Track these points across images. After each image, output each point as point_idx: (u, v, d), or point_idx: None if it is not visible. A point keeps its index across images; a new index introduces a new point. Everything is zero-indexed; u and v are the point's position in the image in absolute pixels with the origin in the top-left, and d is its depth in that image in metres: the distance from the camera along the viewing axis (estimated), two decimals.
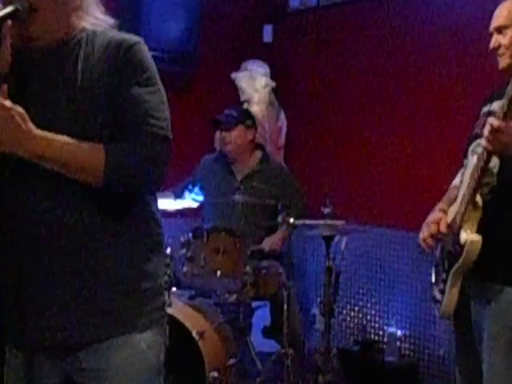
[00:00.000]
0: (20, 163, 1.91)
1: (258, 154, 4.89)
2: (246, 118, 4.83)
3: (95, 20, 2.08)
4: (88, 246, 1.98)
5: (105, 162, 1.92)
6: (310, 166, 5.69)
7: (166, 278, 3.96)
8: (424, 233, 2.88)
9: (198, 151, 5.18)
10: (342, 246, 4.61)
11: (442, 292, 2.82)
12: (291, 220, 4.16)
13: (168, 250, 4.10)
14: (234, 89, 5.75)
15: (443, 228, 2.81)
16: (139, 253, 2.05)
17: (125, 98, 1.97)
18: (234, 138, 4.73)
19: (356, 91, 5.41)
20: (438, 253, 2.92)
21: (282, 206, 4.41)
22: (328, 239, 4.26)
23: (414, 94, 5.01)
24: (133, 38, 2.04)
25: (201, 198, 4.77)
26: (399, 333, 5.04)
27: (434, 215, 2.89)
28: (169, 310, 3.73)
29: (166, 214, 4.77)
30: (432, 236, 2.84)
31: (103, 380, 1.99)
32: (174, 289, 4.20)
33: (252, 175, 4.77)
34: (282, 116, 5.81)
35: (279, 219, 4.27)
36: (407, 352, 5.01)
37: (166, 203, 4.70)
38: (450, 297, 2.76)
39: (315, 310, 5.42)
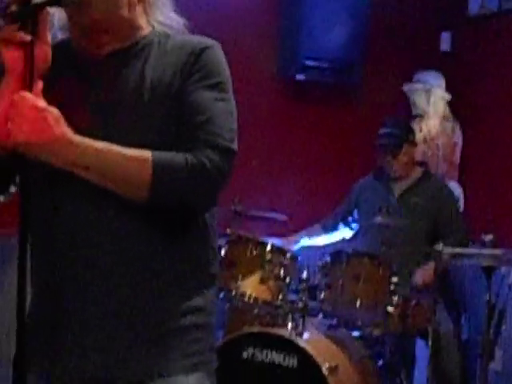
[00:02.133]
0: (61, 178, 1.76)
1: (419, 170, 4.63)
2: (408, 132, 4.60)
3: (167, 20, 1.95)
4: (133, 271, 1.81)
5: (152, 173, 1.73)
6: (486, 186, 5.29)
7: (288, 306, 3.77)
8: None
9: (360, 170, 4.91)
10: (510, 279, 4.20)
11: None
12: (444, 248, 3.74)
13: (304, 274, 3.90)
14: (404, 102, 5.50)
15: None
16: (192, 284, 1.88)
17: (189, 102, 1.82)
18: (400, 161, 4.49)
19: None
20: None
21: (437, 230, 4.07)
22: (488, 270, 3.81)
23: None
24: (207, 40, 1.91)
25: (356, 226, 4.55)
26: None
27: None
28: (299, 341, 3.61)
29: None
30: None
31: None
32: (319, 317, 3.98)
33: (411, 190, 4.52)
34: (458, 131, 5.50)
35: (436, 247, 3.87)
36: None
37: (317, 240, 4.54)
38: None
39: None
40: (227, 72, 1.89)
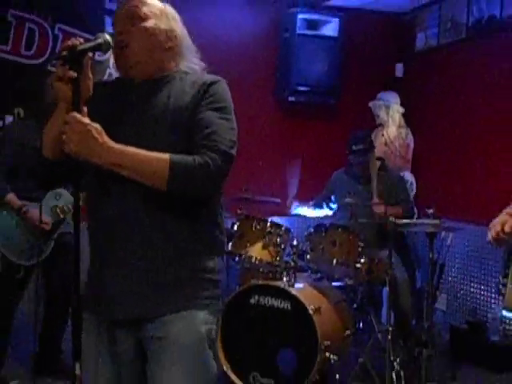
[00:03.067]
0: (107, 175, 1.77)
1: (378, 164, 4.47)
2: (370, 143, 4.41)
3: (190, 63, 1.94)
4: (159, 242, 1.81)
5: (169, 169, 1.73)
6: (431, 175, 5.27)
7: (283, 265, 3.76)
8: (491, 233, 2.42)
9: (337, 167, 4.79)
10: (448, 241, 4.16)
11: (504, 286, 2.37)
12: (396, 220, 3.71)
13: (295, 242, 3.90)
14: (370, 115, 5.44)
15: (508, 228, 2.33)
16: (203, 252, 1.88)
17: (199, 120, 1.81)
18: (368, 165, 4.35)
19: (470, 114, 4.92)
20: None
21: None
22: (431, 235, 3.77)
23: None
24: (216, 77, 1.90)
25: (335, 207, 4.47)
26: (505, 315, 4.43)
27: (501, 217, 2.43)
28: (292, 290, 3.61)
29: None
30: (498, 235, 2.38)
31: (164, 346, 1.83)
32: (307, 272, 3.96)
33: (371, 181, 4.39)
34: (410, 136, 5.44)
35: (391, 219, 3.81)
36: (511, 333, 4.39)
37: (306, 211, 4.50)
38: (509, 291, 2.31)
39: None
40: (230, 100, 1.88)
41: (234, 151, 1.81)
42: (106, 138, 1.70)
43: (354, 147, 4.37)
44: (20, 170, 3.50)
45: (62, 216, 3.63)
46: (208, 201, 1.88)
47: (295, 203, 4.43)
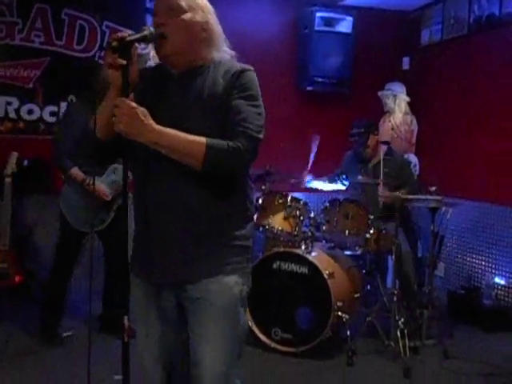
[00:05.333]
0: (150, 153, 1.75)
1: (385, 148, 4.38)
2: (369, 127, 4.30)
3: (222, 52, 1.90)
4: (198, 213, 1.80)
5: (205, 151, 1.72)
6: (433, 157, 5.18)
7: (302, 234, 3.74)
8: None
9: (348, 149, 4.74)
10: (448, 215, 4.12)
11: None
12: (402, 195, 3.68)
13: (312, 214, 3.88)
14: (379, 103, 5.32)
15: None
16: (235, 221, 1.87)
17: (231, 107, 1.78)
18: (368, 147, 4.28)
19: (470, 103, 4.82)
20: None
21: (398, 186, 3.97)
22: (433, 210, 3.74)
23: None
24: (246, 66, 1.85)
25: (347, 183, 4.42)
26: (496, 282, 4.40)
27: None
28: (309, 256, 3.61)
29: (319, 190, 4.58)
30: None
31: (202, 305, 1.82)
32: (322, 242, 3.94)
33: (379, 163, 4.24)
34: (415, 122, 5.32)
35: (398, 193, 3.77)
36: (502, 298, 4.35)
37: (322, 185, 4.45)
38: None
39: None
40: (257, 87, 1.84)
41: (261, 135, 1.79)
42: (150, 121, 1.68)
43: (351, 131, 4.32)
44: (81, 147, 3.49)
45: (121, 189, 3.62)
46: (240, 178, 1.87)
47: (309, 177, 4.37)
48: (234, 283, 1.84)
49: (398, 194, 3.71)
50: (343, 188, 4.45)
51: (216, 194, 1.81)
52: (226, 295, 1.83)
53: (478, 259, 4.66)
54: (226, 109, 1.78)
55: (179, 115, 1.79)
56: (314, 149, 4.18)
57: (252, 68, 1.85)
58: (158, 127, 1.69)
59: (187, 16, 1.80)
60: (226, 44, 1.91)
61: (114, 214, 3.62)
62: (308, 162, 4.22)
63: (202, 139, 1.72)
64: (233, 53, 1.91)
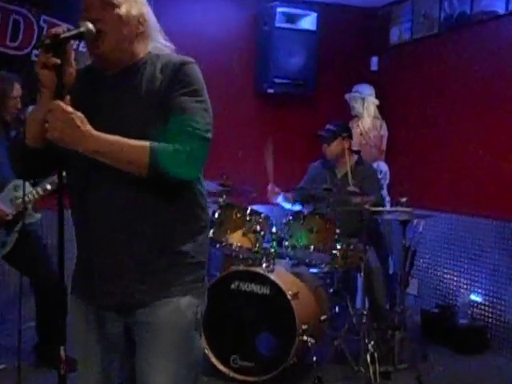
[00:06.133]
0: (89, 162, 1.74)
1: (355, 157, 4.48)
2: (343, 131, 4.39)
3: (159, 45, 1.90)
4: (142, 225, 1.79)
5: (149, 156, 1.71)
6: (404, 165, 5.29)
7: (262, 251, 3.76)
8: None
9: (313, 156, 4.77)
10: (420, 228, 4.20)
11: None
12: (371, 208, 3.74)
13: (274, 229, 3.90)
14: (346, 107, 5.42)
15: None
16: (186, 233, 1.86)
17: (174, 105, 1.78)
18: (332, 149, 4.34)
19: (443, 106, 4.95)
20: None
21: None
22: (404, 223, 3.81)
23: (480, 104, 4.51)
24: (186, 58, 1.85)
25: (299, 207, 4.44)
26: (473, 299, 4.51)
27: None
28: (271, 275, 3.62)
29: None
30: None
31: (152, 330, 1.82)
32: (286, 259, 3.97)
33: (347, 174, 4.32)
34: (384, 127, 5.44)
35: (366, 207, 3.81)
36: (479, 316, 4.46)
37: (288, 206, 4.48)
38: None
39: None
40: (201, 81, 1.84)
41: (209, 134, 1.79)
42: (88, 127, 1.67)
43: (320, 132, 4.37)
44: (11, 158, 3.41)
45: (22, 207, 3.49)
46: (189, 183, 1.87)
47: (280, 194, 4.38)
48: (186, 305, 1.84)
49: (367, 201, 3.75)
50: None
51: (165, 205, 1.81)
52: (179, 319, 1.83)
53: (453, 275, 4.77)
54: (167, 107, 1.78)
55: (117, 119, 1.78)
56: (270, 157, 4.20)
57: (193, 60, 1.85)
58: (96, 134, 1.69)
59: (123, 10, 1.79)
60: (162, 36, 1.91)
61: (17, 235, 3.49)
62: (269, 175, 4.24)
63: (145, 144, 1.72)
64: (171, 46, 1.92)
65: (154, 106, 1.78)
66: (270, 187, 4.30)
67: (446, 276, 4.84)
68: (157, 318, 1.81)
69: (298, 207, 4.40)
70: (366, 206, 3.65)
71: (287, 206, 4.46)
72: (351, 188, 3.92)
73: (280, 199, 4.39)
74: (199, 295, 1.89)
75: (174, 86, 1.78)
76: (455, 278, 4.75)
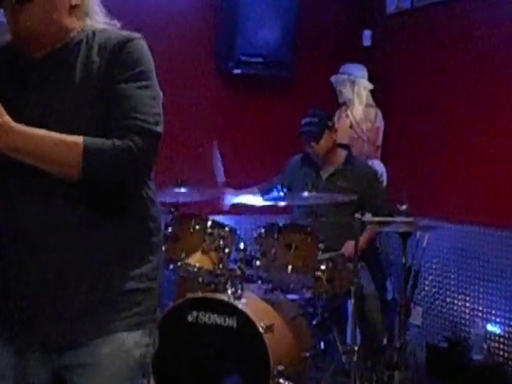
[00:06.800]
0: (13, 168, 1.76)
1: (343, 153, 4.57)
2: (327, 119, 4.51)
3: (96, 20, 1.92)
4: (78, 248, 1.82)
5: (83, 155, 1.72)
6: (404, 164, 5.35)
7: (228, 273, 3.77)
8: None
9: (290, 155, 4.86)
10: (424, 243, 4.23)
11: None
12: (363, 218, 3.77)
13: (241, 245, 3.92)
14: (332, 92, 5.46)
15: None
16: (133, 253, 1.89)
17: (114, 93, 1.80)
18: (323, 145, 4.45)
19: (453, 91, 4.99)
20: None
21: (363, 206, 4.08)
22: (404, 236, 3.85)
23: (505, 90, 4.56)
24: (131, 34, 1.88)
25: (283, 195, 4.45)
26: (489, 330, 4.56)
27: None
28: (238, 303, 3.63)
29: (251, 209, 4.64)
30: None
31: (89, 375, 1.83)
32: (258, 283, 3.98)
33: (336, 174, 4.49)
34: (380, 117, 5.49)
35: (357, 216, 3.85)
36: (496, 351, 4.52)
37: (254, 200, 4.49)
38: None
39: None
40: (148, 61, 1.86)
41: (159, 128, 1.81)
42: (6, 118, 1.67)
43: (302, 121, 4.45)
44: None
45: None
46: (136, 190, 1.89)
47: (228, 193, 4.40)
48: (133, 344, 1.86)
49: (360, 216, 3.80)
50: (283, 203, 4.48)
51: (108, 222, 1.83)
52: (122, 361, 1.84)
53: (465, 301, 4.80)
54: (107, 96, 1.80)
55: (45, 110, 1.80)
56: (218, 158, 4.23)
57: (138, 35, 1.87)
58: (18, 127, 1.69)
59: None
60: (102, 11, 1.94)
61: None
62: (218, 174, 4.26)
63: (79, 139, 1.73)
64: (115, 22, 1.94)
65: (91, 95, 1.80)
66: (220, 191, 4.33)
67: (456, 302, 4.87)
68: (95, 359, 1.82)
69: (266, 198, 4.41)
70: (357, 215, 3.67)
71: (249, 199, 4.47)
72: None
73: (236, 199, 4.41)
74: (150, 331, 1.91)
75: (114, 70, 1.81)
76: (468, 305, 4.78)
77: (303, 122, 4.48)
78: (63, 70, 1.83)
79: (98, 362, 1.82)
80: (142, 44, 1.86)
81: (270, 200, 4.21)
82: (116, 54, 1.82)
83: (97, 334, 1.82)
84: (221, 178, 4.27)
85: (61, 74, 1.83)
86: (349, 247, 4.17)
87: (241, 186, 4.49)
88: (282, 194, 4.28)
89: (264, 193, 4.48)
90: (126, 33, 1.87)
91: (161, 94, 1.87)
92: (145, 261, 1.90)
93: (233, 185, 4.40)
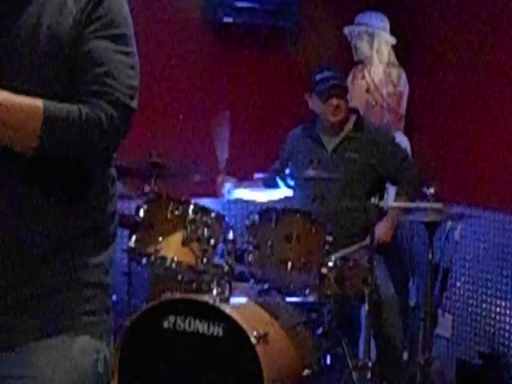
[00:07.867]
0: None
1: (353, 118, 4.61)
2: (344, 77, 4.55)
3: None
4: (19, 229, 1.84)
5: (42, 122, 1.74)
6: (433, 138, 5.37)
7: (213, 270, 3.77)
8: None
9: (292, 120, 4.91)
10: (456, 235, 4.25)
11: None
12: (380, 203, 3.78)
13: (230, 235, 3.90)
14: (345, 47, 5.49)
15: None
16: (86, 244, 1.93)
17: (86, 52, 1.83)
18: (346, 108, 4.52)
19: (496, 48, 4.96)
20: None
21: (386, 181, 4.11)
22: (431, 226, 3.85)
23: None
24: None
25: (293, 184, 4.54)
26: None
27: None
28: (225, 307, 3.63)
29: None
30: None
31: None
32: (250, 282, 3.99)
33: (343, 145, 4.53)
34: (404, 79, 5.50)
35: (372, 200, 3.85)
36: None
37: (257, 195, 4.50)
38: None
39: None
40: (129, 21, 1.91)
41: (135, 103, 1.86)
42: None
43: (317, 77, 4.48)
44: None
45: None
46: (96, 167, 1.92)
47: (228, 182, 4.42)
48: (82, 349, 1.88)
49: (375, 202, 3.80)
50: (290, 193, 4.52)
51: (54, 204, 1.85)
52: (65, 373, 1.85)
53: (505, 307, 4.81)
54: (78, 54, 1.82)
55: (3, 68, 1.81)
56: (224, 136, 4.23)
57: None
58: None
59: None
60: None
61: None
62: (219, 159, 4.27)
63: (38, 102, 1.75)
64: None
65: (60, 50, 1.82)
66: (220, 178, 4.34)
67: (494, 309, 4.89)
68: (31, 371, 1.82)
69: (271, 192, 4.44)
70: (373, 200, 3.67)
71: (251, 194, 4.50)
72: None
73: (235, 191, 4.44)
74: (103, 334, 1.93)
75: (90, 25, 1.84)
76: (508, 312, 4.82)
77: (322, 76, 4.48)
78: (27, 16, 1.84)
79: (33, 376, 1.82)
80: (122, 1, 1.91)
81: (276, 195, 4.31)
82: (94, 7, 1.85)
83: (33, 334, 1.84)
84: (224, 155, 4.27)
85: (24, 20, 1.84)
86: (382, 231, 4.17)
87: (243, 177, 4.48)
88: (286, 186, 4.36)
89: (269, 185, 4.53)
90: None
91: (138, 64, 1.90)
92: (96, 252, 1.94)
93: (233, 173, 4.39)
